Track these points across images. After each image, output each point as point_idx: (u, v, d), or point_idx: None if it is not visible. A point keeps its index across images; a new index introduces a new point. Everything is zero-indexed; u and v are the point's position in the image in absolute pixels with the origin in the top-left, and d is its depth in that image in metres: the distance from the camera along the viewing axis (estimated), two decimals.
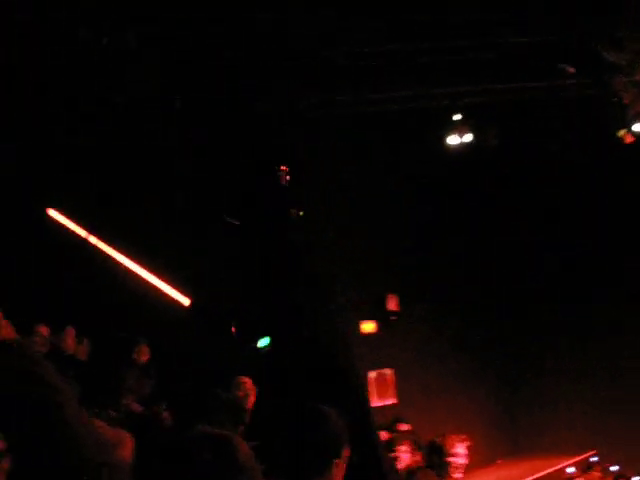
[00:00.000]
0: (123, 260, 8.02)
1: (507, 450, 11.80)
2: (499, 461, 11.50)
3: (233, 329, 8.88)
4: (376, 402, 10.61)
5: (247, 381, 6.77)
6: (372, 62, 8.25)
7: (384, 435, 7.58)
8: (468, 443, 5.58)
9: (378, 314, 10.95)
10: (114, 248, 7.92)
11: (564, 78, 8.84)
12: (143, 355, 8.28)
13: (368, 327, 10.87)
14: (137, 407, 7.80)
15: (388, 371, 10.86)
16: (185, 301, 8.52)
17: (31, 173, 6.92)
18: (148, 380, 8.35)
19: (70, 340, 7.65)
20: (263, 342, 9.13)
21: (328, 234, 9.91)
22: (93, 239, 7.70)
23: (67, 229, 7.49)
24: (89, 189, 7.49)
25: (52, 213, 7.45)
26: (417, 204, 11.04)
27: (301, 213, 8.54)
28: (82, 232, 7.64)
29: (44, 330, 7.22)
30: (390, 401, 10.73)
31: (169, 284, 8.39)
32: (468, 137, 9.67)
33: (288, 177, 8.46)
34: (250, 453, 2.06)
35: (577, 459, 10.70)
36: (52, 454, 1.22)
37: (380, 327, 10.93)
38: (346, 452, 2.58)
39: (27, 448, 1.21)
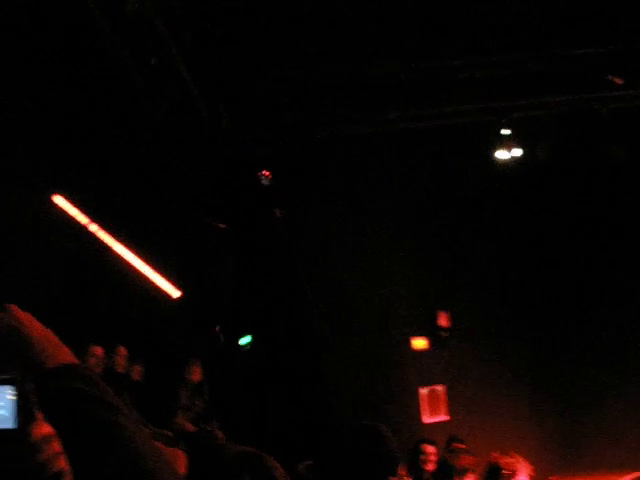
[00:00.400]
0: (121, 250, 8.13)
1: (562, 469, 11.60)
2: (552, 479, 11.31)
3: (217, 329, 8.90)
4: (428, 419, 10.54)
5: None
6: (421, 77, 8.27)
7: (434, 451, 7.50)
8: (532, 469, 5.41)
9: (429, 330, 10.90)
10: (113, 238, 8.02)
11: (613, 90, 8.76)
12: (195, 374, 8.38)
13: (419, 343, 10.84)
14: (190, 426, 7.87)
15: (440, 387, 10.78)
16: (175, 293, 8.63)
17: (39, 158, 6.99)
18: (200, 399, 8.44)
19: (122, 359, 7.77)
20: (245, 340, 9.16)
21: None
22: (94, 227, 7.77)
23: (70, 216, 7.56)
24: (93, 178, 7.62)
25: (57, 199, 7.50)
26: (468, 221, 10.98)
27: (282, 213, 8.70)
28: (84, 219, 7.72)
29: (98, 350, 7.35)
30: (442, 418, 10.63)
31: (161, 275, 8.51)
32: (517, 152, 9.60)
33: (269, 179, 8.59)
34: (284, 472, 2.09)
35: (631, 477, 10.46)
36: (115, 474, 1.24)
37: (431, 343, 10.87)
38: (402, 470, 2.59)
39: (89, 468, 1.24)
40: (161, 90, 6.93)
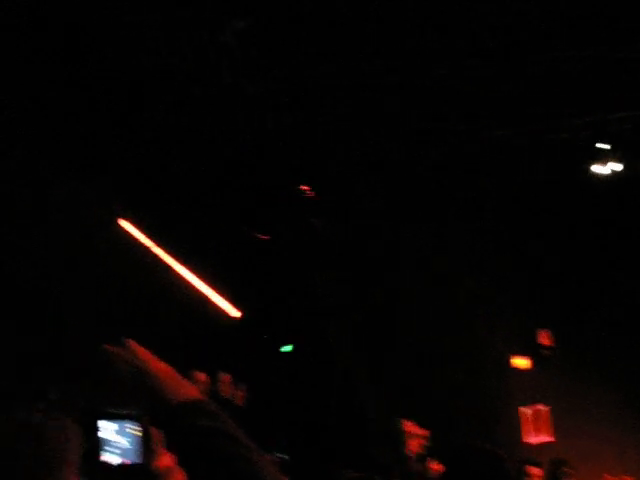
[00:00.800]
0: (183, 272, 8.43)
1: None
2: None
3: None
4: (532, 439, 10.31)
5: None
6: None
7: (539, 473, 7.31)
8: None
9: (531, 349, 10.70)
10: (175, 260, 8.29)
11: None
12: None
13: (520, 362, 10.64)
14: None
15: (543, 407, 10.54)
16: (236, 313, 8.88)
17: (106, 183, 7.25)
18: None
19: (225, 386, 7.87)
20: (286, 348, 9.37)
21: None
22: (157, 250, 8.05)
23: (136, 239, 7.87)
24: (155, 204, 7.87)
25: (123, 223, 7.84)
26: (567, 237, 10.72)
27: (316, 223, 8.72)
28: (148, 242, 8.01)
29: (202, 377, 7.45)
30: (546, 439, 10.39)
31: (221, 295, 8.77)
32: (616, 167, 9.30)
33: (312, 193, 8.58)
34: None
35: None
36: None
37: (533, 362, 10.66)
38: None
39: None
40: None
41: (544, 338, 10.75)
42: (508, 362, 10.61)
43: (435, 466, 6.29)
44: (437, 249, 10.21)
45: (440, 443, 6.45)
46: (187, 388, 1.38)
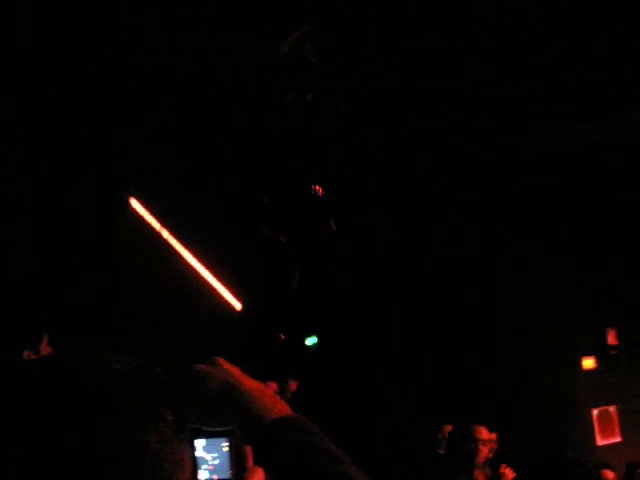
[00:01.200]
0: (189, 258, 8.08)
1: None
2: None
3: (282, 336, 8.86)
4: (600, 441, 10.23)
5: None
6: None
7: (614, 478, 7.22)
8: None
9: (599, 349, 10.64)
10: (183, 245, 7.97)
11: None
12: None
13: (588, 363, 10.60)
14: None
15: (611, 408, 10.47)
16: (237, 305, 8.58)
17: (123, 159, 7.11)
18: None
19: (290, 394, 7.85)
20: (311, 341, 9.10)
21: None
22: (165, 233, 7.72)
23: (144, 220, 7.51)
24: (170, 182, 7.65)
25: (134, 202, 7.49)
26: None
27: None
28: (157, 225, 7.66)
29: (274, 386, 7.41)
30: (615, 440, 10.31)
31: (226, 287, 8.48)
32: None
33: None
34: None
35: None
36: None
37: (601, 362, 10.61)
38: None
39: None
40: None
41: (611, 338, 10.67)
42: (577, 362, 10.55)
43: (507, 472, 6.14)
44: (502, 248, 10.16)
45: (508, 446, 6.32)
46: (280, 405, 1.38)
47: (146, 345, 6.15)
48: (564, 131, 9.02)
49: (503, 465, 6.24)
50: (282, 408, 1.36)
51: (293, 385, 7.74)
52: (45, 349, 2.92)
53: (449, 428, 6.84)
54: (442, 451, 6.82)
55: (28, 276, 5.72)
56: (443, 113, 8.76)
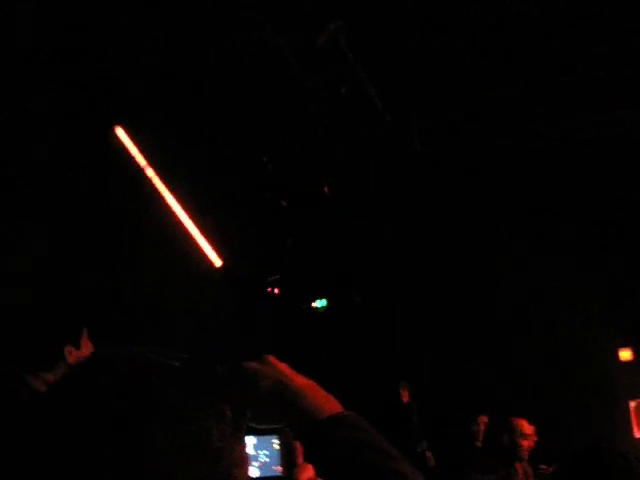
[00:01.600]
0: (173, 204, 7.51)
1: None
2: None
3: (276, 290, 8.55)
4: (638, 433, 10.23)
5: None
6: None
7: None
8: None
9: (634, 341, 10.58)
10: (167, 188, 7.42)
11: None
12: (404, 396, 8.25)
13: (625, 355, 10.59)
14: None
15: None
16: (217, 262, 8.00)
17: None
18: (410, 420, 8.32)
19: None
20: (320, 303, 8.88)
21: None
22: (150, 171, 7.17)
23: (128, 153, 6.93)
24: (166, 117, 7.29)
25: (120, 132, 6.91)
26: None
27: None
28: (142, 161, 7.06)
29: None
30: None
31: (208, 241, 7.90)
32: None
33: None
34: None
35: None
36: None
37: (638, 354, 10.59)
38: None
39: None
40: None
41: None
42: (614, 354, 10.52)
43: (544, 465, 6.00)
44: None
45: (544, 441, 6.18)
46: (333, 402, 1.37)
47: (144, 336, 5.97)
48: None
49: (544, 466, 6.10)
50: (333, 406, 1.35)
51: None
52: (85, 343, 2.90)
53: (485, 419, 6.77)
54: (479, 444, 6.79)
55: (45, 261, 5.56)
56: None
